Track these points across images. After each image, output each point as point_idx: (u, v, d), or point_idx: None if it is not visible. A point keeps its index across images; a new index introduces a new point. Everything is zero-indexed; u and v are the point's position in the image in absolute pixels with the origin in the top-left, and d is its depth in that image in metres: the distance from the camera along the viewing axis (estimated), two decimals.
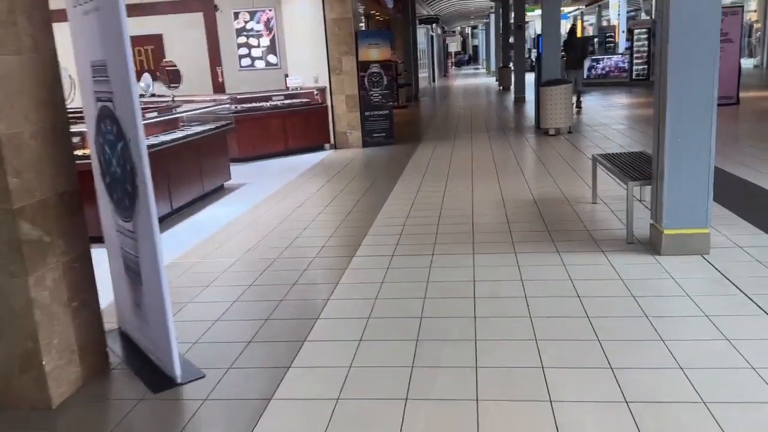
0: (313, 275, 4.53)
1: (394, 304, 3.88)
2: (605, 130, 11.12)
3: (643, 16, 42.16)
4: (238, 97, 9.91)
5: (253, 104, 10.02)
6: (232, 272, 4.68)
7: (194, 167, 6.89)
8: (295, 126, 10.32)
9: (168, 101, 8.17)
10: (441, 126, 13.60)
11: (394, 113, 17.32)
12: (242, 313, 3.91)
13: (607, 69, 22.16)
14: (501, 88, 24.10)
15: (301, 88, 10.56)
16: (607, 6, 37.23)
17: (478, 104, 18.43)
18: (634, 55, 21.17)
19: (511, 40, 25.79)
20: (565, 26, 43.51)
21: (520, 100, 18.19)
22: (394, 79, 16.58)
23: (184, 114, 7.27)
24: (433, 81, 35.00)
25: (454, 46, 61.82)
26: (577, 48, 14.04)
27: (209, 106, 8.20)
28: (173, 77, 7.92)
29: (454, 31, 50.76)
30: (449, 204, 6.42)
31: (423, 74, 31.90)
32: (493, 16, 32.53)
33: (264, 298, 4.11)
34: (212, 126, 7.49)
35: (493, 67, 34.86)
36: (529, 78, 19.02)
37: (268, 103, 10.17)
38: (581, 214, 5.66)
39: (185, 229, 6.10)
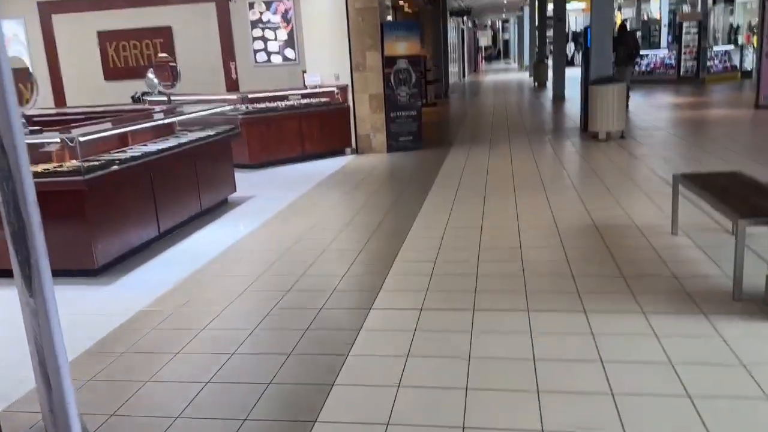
0: (315, 344, 3.44)
1: (424, 399, 2.77)
2: (663, 135, 9.83)
3: (685, 8, 40.18)
4: (249, 96, 8.89)
5: (266, 104, 8.99)
6: (212, 331, 3.63)
7: (189, 181, 5.87)
8: (313, 129, 9.27)
9: (167, 102, 7.17)
10: (474, 127, 12.42)
11: (423, 112, 16.21)
12: (214, 406, 2.85)
13: (653, 65, 20.64)
14: (536, 84, 22.73)
15: (320, 87, 9.50)
16: None
17: (512, 102, 17.17)
18: (683, 51, 19.62)
19: (549, 33, 24.42)
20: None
21: (559, 98, 16.87)
22: (422, 75, 15.45)
23: (178, 118, 6.25)
24: (464, 76, 33.68)
25: (484, 41, 60.20)
26: (629, 42, 12.79)
27: (214, 107, 7.18)
28: (168, 75, 6.92)
29: (485, 25, 49.21)
30: (489, 231, 5.29)
31: (453, 69, 30.66)
32: (527, 9, 31.05)
33: (245, 378, 3.05)
34: (213, 132, 6.47)
35: (525, 62, 33.39)
36: (570, 74, 17.70)
37: (282, 103, 9.14)
38: (661, 251, 4.47)
39: (169, 259, 5.07)
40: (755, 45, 23.73)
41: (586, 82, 10.19)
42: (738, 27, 24.59)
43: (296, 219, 6.12)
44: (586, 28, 10.38)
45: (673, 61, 20.15)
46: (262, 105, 8.91)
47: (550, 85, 19.43)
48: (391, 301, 3.90)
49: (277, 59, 10.58)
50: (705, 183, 4.35)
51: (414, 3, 17.88)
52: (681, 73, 19.72)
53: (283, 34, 10.37)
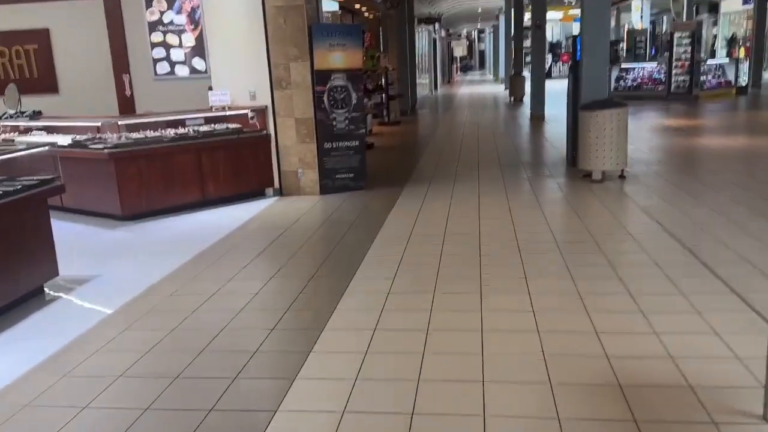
0: None
1: None
2: (675, 175, 7.72)
3: (665, 20, 38.80)
4: (122, 123, 6.55)
5: (148, 133, 6.66)
6: None
7: None
8: (219, 164, 6.96)
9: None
10: (438, 156, 10.22)
11: (381, 134, 14.02)
12: None
13: (640, 80, 18.75)
14: (512, 99, 20.72)
15: (229, 108, 7.21)
16: (627, 9, 33.93)
17: (486, 122, 15.05)
18: (674, 64, 17.76)
19: (526, 43, 22.46)
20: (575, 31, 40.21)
21: (537, 118, 14.80)
22: (367, 93, 13.23)
23: None
24: (436, 88, 31.67)
25: (459, 51, 58.56)
26: None
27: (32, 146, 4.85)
28: None
29: (459, 35, 47.46)
30: (434, 365, 3.06)
31: (424, 81, 28.63)
32: (502, 17, 29.19)
33: None
34: (12, 187, 4.14)
35: (501, 74, 31.51)
36: (552, 89, 15.65)
37: (173, 132, 6.81)
38: None
39: None
40: (741, 57, 22.21)
41: (575, 106, 8.06)
42: (733, 38, 22.97)
43: (137, 329, 3.82)
44: (575, 38, 8.27)
45: (662, 76, 18.28)
46: (142, 134, 6.57)
47: (528, 100, 17.44)
48: None
49: (182, 71, 8.28)
50: None
51: (373, 7, 15.73)
52: (672, 88, 17.85)
53: (189, 39, 8.08)
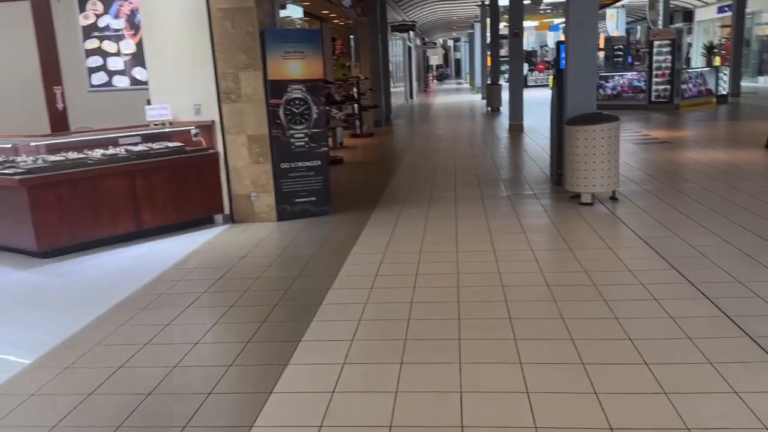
0: None
1: None
2: (667, 192, 7.00)
3: (639, 30, 38.73)
4: (39, 144, 5.60)
5: (72, 155, 5.71)
6: None
7: None
8: (156, 189, 6.05)
9: None
10: (412, 172, 9.41)
11: (353, 146, 13.12)
12: None
13: (619, 89, 18.22)
14: (489, 109, 20.08)
15: (170, 124, 6.31)
16: (602, 17, 33.67)
17: (463, 134, 14.31)
18: (654, 72, 17.25)
19: (504, 51, 21.91)
20: (555, 39, 39.94)
21: (516, 129, 14.11)
22: (329, 106, 12.38)
23: None
24: (412, 97, 31.00)
25: (435, 59, 58.21)
26: None
27: None
28: None
29: (434, 43, 46.95)
30: None
31: (399, 89, 27.92)
32: (478, 26, 28.64)
33: None
34: None
35: (477, 83, 30.97)
36: (529, 98, 14.97)
37: (100, 153, 5.87)
38: None
39: None
40: (717, 65, 21.93)
41: (560, 119, 7.32)
42: (711, 46, 22.66)
43: (49, 392, 2.90)
44: (558, 45, 7.54)
45: (642, 84, 17.76)
46: (63, 156, 5.62)
47: (505, 110, 16.77)
48: None
49: (122, 82, 7.36)
50: None
51: (344, 14, 14.93)
52: (652, 97, 17.33)
53: (129, 46, 7.16)
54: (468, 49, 42.88)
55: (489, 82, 21.15)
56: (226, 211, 6.58)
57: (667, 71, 17.08)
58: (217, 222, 6.60)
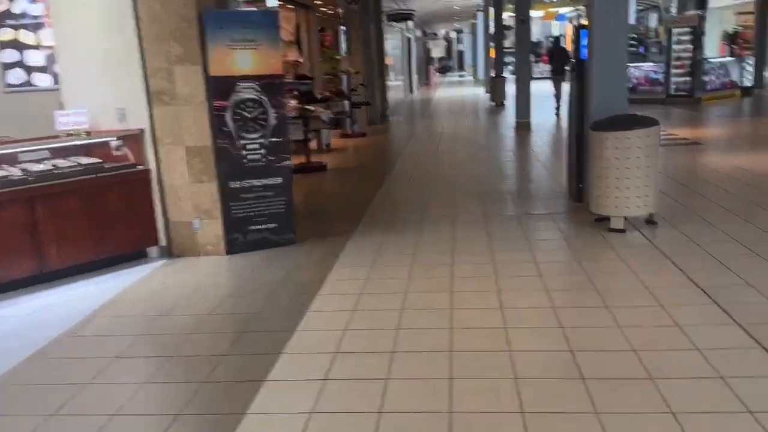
0: None
1: None
2: (716, 213, 5.57)
3: (653, 17, 37.03)
4: None
5: None
6: None
7: None
8: (66, 218, 4.70)
9: None
10: (404, 183, 8.03)
11: (341, 149, 11.69)
12: None
13: (636, 81, 16.74)
14: (494, 104, 18.67)
15: (87, 135, 4.94)
16: None
17: (465, 132, 12.91)
18: (673, 63, 15.79)
19: (509, 42, 20.49)
20: (560, 30, 38.36)
21: (523, 127, 12.70)
22: (327, 100, 10.93)
23: None
24: (411, 92, 29.58)
25: (437, 51, 56.69)
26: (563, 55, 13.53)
27: None
28: None
29: (435, 34, 45.43)
30: None
31: (398, 83, 26.51)
32: (481, 15, 27.15)
33: None
34: None
35: (480, 75, 29.50)
36: (533, 91, 13.56)
37: None
38: None
39: None
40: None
41: (580, 121, 5.94)
42: (734, 34, 21.15)
43: None
44: (577, 29, 6.14)
45: (660, 76, 16.30)
46: None
47: (510, 104, 15.37)
48: None
49: (43, 80, 6.01)
50: None
51: (332, 1, 13.53)
52: (671, 90, 15.88)
53: (51, 37, 5.78)
54: (471, 40, 41.35)
55: (493, 74, 19.76)
56: (163, 242, 5.22)
57: (688, 62, 15.61)
58: (152, 256, 5.25)
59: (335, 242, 5.41)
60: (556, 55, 15.27)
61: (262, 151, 5.18)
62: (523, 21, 12.81)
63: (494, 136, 12.09)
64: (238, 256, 5.20)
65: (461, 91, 28.65)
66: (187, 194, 5.11)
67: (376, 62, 16.52)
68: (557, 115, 14.46)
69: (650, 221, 5.34)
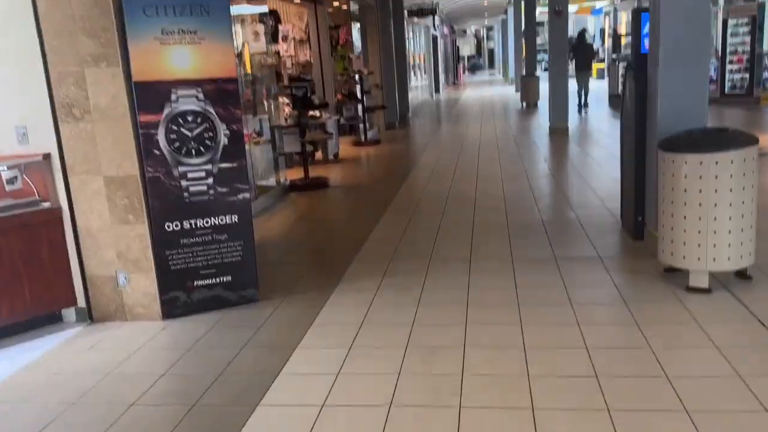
0: None
1: None
2: None
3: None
4: None
5: None
6: None
7: None
8: None
9: None
10: (412, 207, 6.60)
11: (349, 160, 10.32)
12: None
13: None
14: (524, 104, 17.14)
15: None
16: None
17: (491, 139, 11.44)
18: (728, 58, 14.04)
19: (541, 39, 18.87)
20: (590, 25, 36.33)
21: (559, 132, 11.18)
22: (340, 103, 9.53)
23: None
24: (437, 91, 28.14)
25: (467, 49, 55.05)
26: (587, 50, 14.66)
27: None
28: None
29: (464, 31, 43.82)
30: None
31: (423, 83, 25.10)
32: (511, 10, 25.54)
33: None
34: None
35: (511, 74, 27.85)
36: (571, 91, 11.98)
37: None
38: None
39: None
40: None
41: (639, 136, 4.48)
42: None
43: None
44: (636, 14, 4.68)
45: (714, 74, 14.55)
46: None
47: (544, 106, 13.85)
48: None
49: None
50: None
51: None
52: (726, 89, 14.13)
53: None
54: (501, 37, 39.65)
55: (524, 73, 18.21)
56: (81, 302, 3.94)
57: (745, 56, 13.85)
58: (68, 320, 3.98)
59: (312, 299, 4.07)
60: (579, 50, 15.23)
61: (209, 180, 3.86)
62: (558, 12, 11.28)
63: (525, 143, 10.60)
64: (178, 321, 3.89)
65: (491, 90, 27.06)
66: (109, 239, 3.82)
67: (395, 61, 15.15)
68: (580, 113, 14.47)
69: (743, 275, 3.85)
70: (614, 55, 20.70)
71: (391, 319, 3.67)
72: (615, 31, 25.52)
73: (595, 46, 25.41)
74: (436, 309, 3.77)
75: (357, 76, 11.68)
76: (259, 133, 7.45)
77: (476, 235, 5.27)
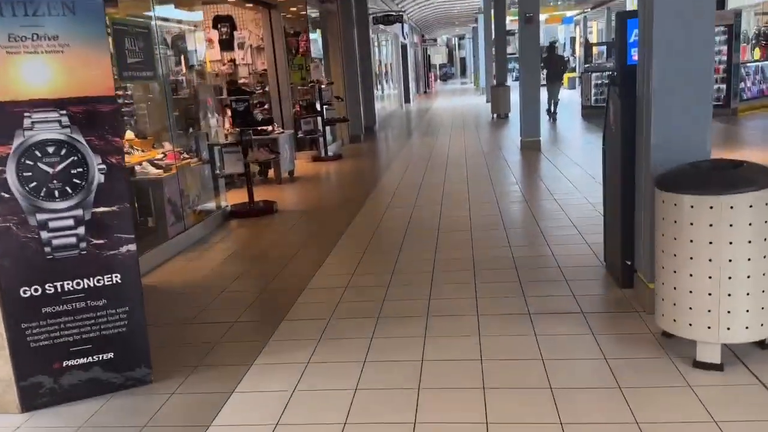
0: None
1: None
2: None
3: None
4: None
5: None
6: None
7: None
8: None
9: None
10: (364, 241, 5.73)
11: (304, 179, 9.33)
12: None
13: None
14: (495, 116, 16.50)
15: None
16: (623, 6, 29.93)
17: (459, 154, 10.66)
18: None
19: (511, 48, 18.30)
20: (561, 34, 36.18)
21: (531, 146, 10.47)
22: (302, 118, 8.61)
23: None
24: (408, 101, 27.47)
25: (439, 58, 54.70)
26: (558, 62, 15.29)
27: None
28: None
29: (435, 40, 43.36)
30: None
31: (393, 92, 24.39)
32: (481, 18, 24.99)
33: None
34: None
35: (482, 83, 27.29)
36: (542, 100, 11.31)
37: None
38: None
39: None
40: (755, 58, 18.21)
41: (627, 168, 3.70)
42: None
43: None
44: (620, 19, 3.92)
45: None
46: None
47: (514, 117, 13.17)
48: None
49: None
50: None
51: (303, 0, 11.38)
52: None
53: None
54: (472, 46, 39.25)
55: (494, 83, 17.60)
56: None
57: (722, 66, 13.36)
58: None
59: (222, 379, 3.18)
60: (550, 61, 15.40)
61: (80, 230, 2.95)
62: (528, 20, 10.59)
63: (495, 160, 9.85)
64: (42, 414, 2.97)
65: (462, 100, 26.45)
66: None
67: (359, 71, 14.34)
68: (549, 116, 14.88)
69: (763, 344, 3.09)
70: (587, 65, 20.27)
71: (317, 416, 2.80)
72: (587, 40, 25.18)
73: (565, 55, 25.08)
74: (377, 400, 2.91)
75: (317, 87, 10.83)
76: (193, 152, 6.54)
77: (436, 280, 4.44)
